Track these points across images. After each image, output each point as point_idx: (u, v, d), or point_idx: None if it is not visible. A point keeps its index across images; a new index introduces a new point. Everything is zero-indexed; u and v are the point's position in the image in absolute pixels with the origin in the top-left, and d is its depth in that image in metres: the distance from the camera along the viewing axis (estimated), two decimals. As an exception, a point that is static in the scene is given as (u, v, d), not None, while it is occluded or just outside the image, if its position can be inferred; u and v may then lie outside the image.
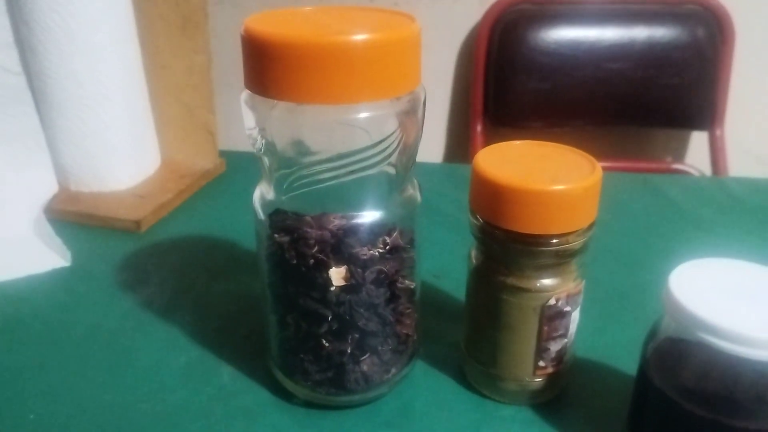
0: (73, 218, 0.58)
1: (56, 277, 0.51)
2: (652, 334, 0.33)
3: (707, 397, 0.30)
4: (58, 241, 0.54)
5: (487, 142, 1.03)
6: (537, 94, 1.08)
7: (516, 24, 1.07)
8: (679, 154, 1.21)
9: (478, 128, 1.13)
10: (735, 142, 1.11)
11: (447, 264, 0.49)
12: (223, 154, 0.69)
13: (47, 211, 0.58)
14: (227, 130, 0.72)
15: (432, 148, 1.22)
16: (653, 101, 1.09)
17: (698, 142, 1.17)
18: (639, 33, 1.05)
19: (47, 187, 0.60)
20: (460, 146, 1.22)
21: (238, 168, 0.69)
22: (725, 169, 1.09)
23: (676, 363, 0.31)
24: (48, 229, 0.55)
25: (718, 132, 1.10)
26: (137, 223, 0.57)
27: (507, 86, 1.09)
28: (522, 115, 1.11)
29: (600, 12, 1.08)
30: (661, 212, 0.62)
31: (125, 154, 0.62)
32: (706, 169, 1.13)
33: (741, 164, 1.12)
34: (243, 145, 0.69)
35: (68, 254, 0.53)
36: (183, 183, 0.64)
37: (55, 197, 0.60)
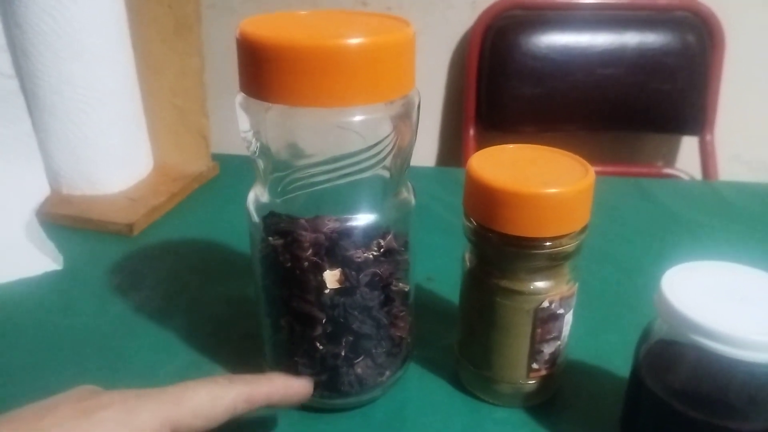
0: (65, 221, 0.58)
1: (48, 280, 0.50)
2: (645, 336, 0.33)
3: (699, 399, 0.30)
4: (50, 244, 0.53)
5: (480, 146, 1.03)
6: (529, 99, 1.09)
7: (508, 29, 1.07)
8: (670, 158, 1.22)
9: (471, 132, 1.14)
10: (725, 147, 1.12)
11: (440, 267, 0.49)
12: (216, 157, 0.69)
13: (39, 215, 0.58)
14: (220, 133, 0.71)
15: (424, 152, 1.22)
16: (644, 106, 1.09)
17: (688, 146, 1.18)
18: (630, 39, 1.06)
19: (39, 191, 0.60)
20: (452, 150, 1.22)
21: (231, 171, 0.69)
22: (715, 174, 1.10)
23: (668, 365, 0.31)
24: (40, 233, 0.55)
25: (708, 137, 1.11)
26: (129, 227, 0.57)
27: (499, 91, 1.10)
28: (514, 119, 1.11)
29: (591, 18, 1.08)
30: (652, 216, 0.62)
31: (117, 158, 0.62)
32: (697, 173, 1.14)
33: (730, 169, 1.13)
34: (236, 149, 0.69)
35: (60, 257, 0.53)
36: (175, 186, 0.64)
37: (46, 200, 0.60)
